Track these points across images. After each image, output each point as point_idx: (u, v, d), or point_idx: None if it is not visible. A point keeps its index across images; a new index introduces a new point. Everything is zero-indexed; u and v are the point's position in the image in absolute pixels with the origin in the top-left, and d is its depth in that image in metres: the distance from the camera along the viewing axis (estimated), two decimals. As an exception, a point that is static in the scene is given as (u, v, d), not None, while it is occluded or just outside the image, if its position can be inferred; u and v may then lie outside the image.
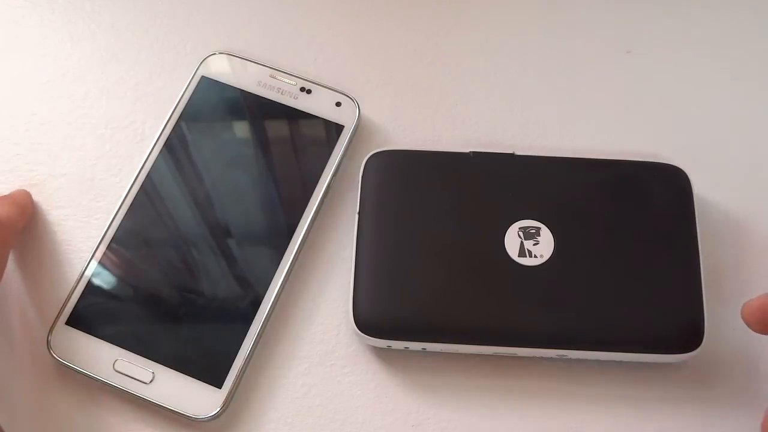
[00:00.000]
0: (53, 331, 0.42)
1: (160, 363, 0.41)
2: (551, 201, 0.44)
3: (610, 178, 0.45)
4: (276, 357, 0.43)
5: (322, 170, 0.46)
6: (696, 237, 0.43)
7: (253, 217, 0.46)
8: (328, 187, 0.46)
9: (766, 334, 0.38)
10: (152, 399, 0.41)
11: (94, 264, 0.44)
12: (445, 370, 0.42)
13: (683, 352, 0.41)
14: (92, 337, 0.42)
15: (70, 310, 0.43)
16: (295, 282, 0.44)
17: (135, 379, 0.41)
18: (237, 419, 0.41)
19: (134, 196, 0.45)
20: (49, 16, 0.51)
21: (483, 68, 0.50)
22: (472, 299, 0.42)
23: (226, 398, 0.41)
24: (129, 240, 0.44)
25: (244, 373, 0.42)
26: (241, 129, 0.49)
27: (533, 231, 0.43)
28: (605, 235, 0.43)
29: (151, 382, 0.41)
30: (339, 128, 0.47)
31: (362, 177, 0.45)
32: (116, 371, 0.41)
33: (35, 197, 0.46)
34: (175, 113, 0.47)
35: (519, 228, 0.43)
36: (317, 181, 0.46)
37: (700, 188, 0.45)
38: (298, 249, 0.44)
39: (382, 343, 0.42)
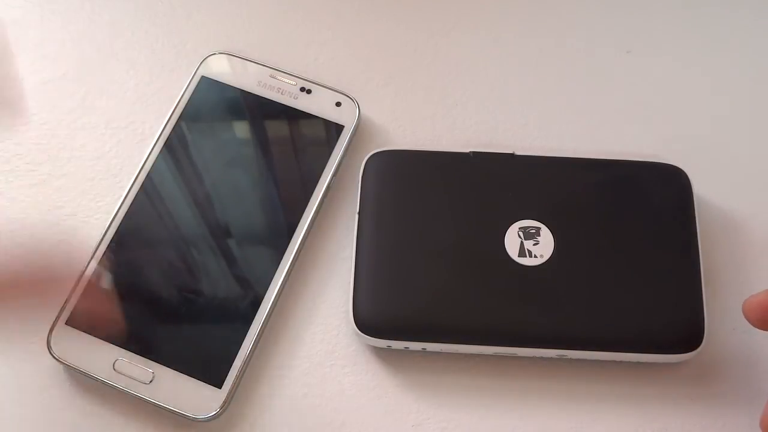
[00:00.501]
0: (53, 331, 0.42)
1: (160, 363, 0.41)
2: (551, 201, 0.44)
3: (610, 178, 0.45)
4: (276, 357, 0.43)
5: (322, 170, 0.46)
6: (696, 237, 0.43)
7: (253, 217, 0.46)
8: (328, 187, 0.46)
9: (766, 330, 0.38)
10: (152, 399, 0.41)
11: (94, 264, 0.44)
12: (445, 370, 0.42)
13: (683, 352, 0.41)
14: (92, 337, 0.42)
15: (70, 310, 0.43)
16: (295, 282, 0.44)
17: (135, 379, 0.41)
18: (237, 419, 0.41)
19: (134, 196, 0.45)
20: (49, 16, 0.51)
21: (483, 68, 0.50)
22: (472, 299, 0.42)
23: (226, 398, 0.41)
24: (129, 240, 0.44)
25: (244, 373, 0.42)
26: (241, 129, 0.49)
27: (533, 231, 0.43)
28: (605, 235, 0.43)
29: (151, 382, 0.41)
30: (339, 128, 0.47)
31: (362, 177, 0.45)
32: (116, 371, 0.41)
33: (35, 197, 0.46)
34: (175, 113, 0.47)
35: (519, 228, 0.43)
36: (317, 181, 0.46)
37: (700, 188, 0.45)
38: (298, 249, 0.44)
39: (382, 343, 0.42)
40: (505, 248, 0.43)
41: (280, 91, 0.48)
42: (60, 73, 0.50)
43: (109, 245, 0.44)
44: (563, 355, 0.42)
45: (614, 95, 0.49)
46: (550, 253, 0.43)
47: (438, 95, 0.49)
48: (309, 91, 0.48)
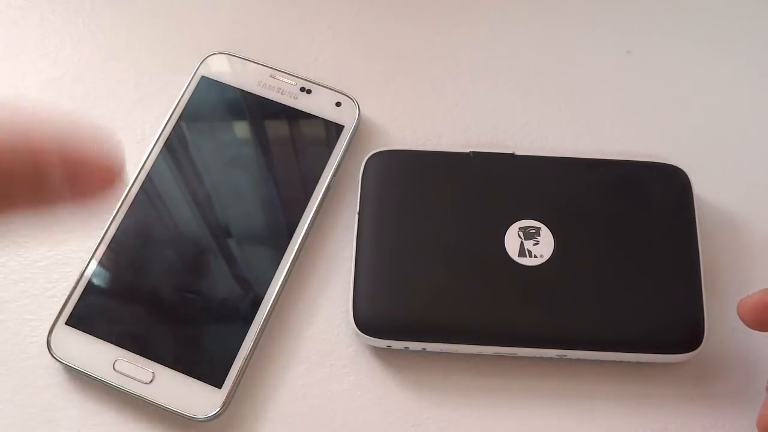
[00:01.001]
0: (53, 331, 0.42)
1: (160, 363, 0.41)
2: (551, 201, 0.44)
3: (610, 178, 0.45)
4: (276, 357, 0.43)
5: (322, 170, 0.46)
6: (696, 237, 0.43)
7: (253, 217, 0.46)
8: (328, 187, 0.46)
9: (761, 330, 0.38)
10: (152, 399, 0.41)
11: (94, 264, 0.44)
12: (445, 370, 0.42)
13: (683, 352, 0.41)
14: (92, 337, 0.42)
15: (70, 310, 0.43)
16: (295, 282, 0.44)
17: (135, 379, 0.41)
18: (237, 419, 0.41)
19: (134, 196, 0.45)
20: (49, 16, 0.51)
21: (483, 68, 0.50)
22: (472, 299, 0.42)
23: (226, 398, 0.41)
24: (129, 240, 0.44)
25: (244, 373, 0.42)
26: (241, 129, 0.49)
27: (533, 231, 0.43)
28: (605, 235, 0.43)
29: (151, 382, 0.41)
30: (339, 128, 0.47)
31: (362, 177, 0.45)
32: (116, 371, 0.41)
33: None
34: (175, 113, 0.47)
35: (519, 228, 0.43)
36: (317, 181, 0.46)
37: (700, 188, 0.45)
38: (298, 249, 0.44)
39: (382, 343, 0.42)
40: (505, 248, 0.43)
41: (280, 91, 0.48)
42: (60, 73, 0.50)
43: (109, 245, 0.44)
44: (563, 355, 0.42)
45: (614, 95, 0.49)
46: (550, 253, 0.43)
47: (438, 95, 0.49)
48: (309, 91, 0.48)
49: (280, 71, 0.48)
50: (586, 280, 0.42)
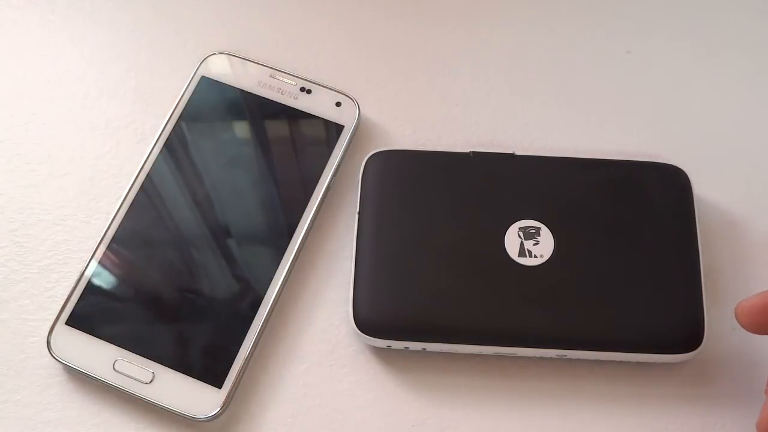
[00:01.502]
0: (53, 331, 0.42)
1: (160, 363, 0.41)
2: (551, 201, 0.44)
3: (610, 178, 0.45)
4: (276, 357, 0.43)
5: (322, 170, 0.46)
6: (696, 237, 0.43)
7: (253, 217, 0.46)
8: (328, 187, 0.46)
9: (759, 333, 0.38)
10: (152, 399, 0.41)
11: (94, 264, 0.44)
12: (445, 370, 0.42)
13: (683, 352, 0.41)
14: (92, 337, 0.42)
15: (70, 310, 0.43)
16: (295, 282, 0.44)
17: (135, 379, 0.41)
18: (237, 419, 0.41)
19: (134, 196, 0.45)
20: (49, 16, 0.51)
21: (483, 68, 0.50)
22: (472, 299, 0.42)
23: (226, 398, 0.41)
24: (129, 240, 0.44)
25: (244, 373, 0.42)
26: (241, 129, 0.49)
27: (533, 231, 0.43)
28: (605, 235, 0.43)
29: (151, 382, 0.41)
30: (339, 128, 0.47)
31: (362, 177, 0.45)
32: (116, 371, 0.41)
33: (35, 197, 0.46)
34: (175, 113, 0.47)
35: (519, 228, 0.43)
36: (317, 181, 0.46)
37: (700, 188, 0.45)
38: (298, 249, 0.44)
39: (382, 343, 0.42)
40: (505, 248, 0.43)
41: (280, 91, 0.48)
42: (60, 73, 0.50)
43: (109, 245, 0.44)
44: (563, 355, 0.42)
45: (614, 95, 0.49)
46: (550, 253, 0.43)
47: (438, 95, 0.49)
48: (309, 91, 0.48)
49: (280, 71, 0.48)
50: (586, 280, 0.42)
